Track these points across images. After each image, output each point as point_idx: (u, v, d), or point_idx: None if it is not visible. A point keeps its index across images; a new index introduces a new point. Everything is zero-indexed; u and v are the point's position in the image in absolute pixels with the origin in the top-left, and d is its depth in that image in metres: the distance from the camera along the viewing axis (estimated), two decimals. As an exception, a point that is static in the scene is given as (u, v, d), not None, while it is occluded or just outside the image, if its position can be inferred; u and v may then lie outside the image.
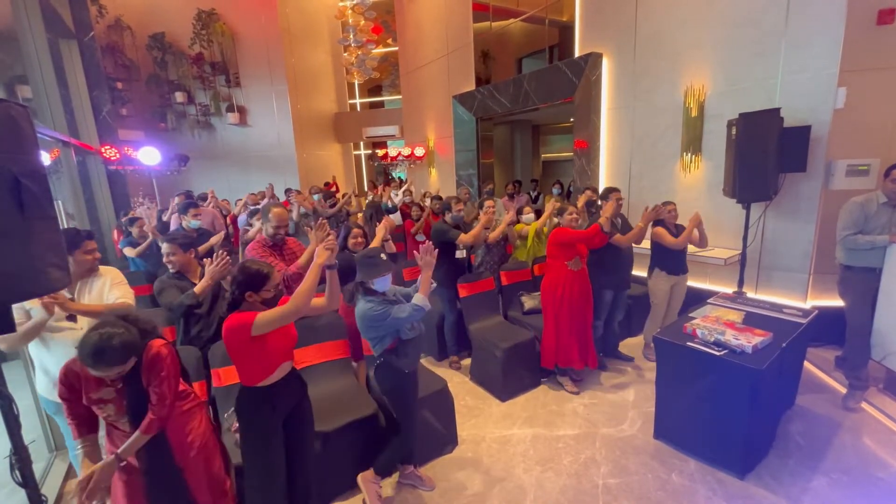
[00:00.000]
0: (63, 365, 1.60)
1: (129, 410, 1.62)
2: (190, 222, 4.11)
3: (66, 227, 2.54)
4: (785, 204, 3.77)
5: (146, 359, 1.63)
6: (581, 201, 4.08)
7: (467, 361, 3.83)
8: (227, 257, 2.46)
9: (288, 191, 7.10)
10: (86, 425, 1.64)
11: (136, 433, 1.62)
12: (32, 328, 1.93)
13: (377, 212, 6.24)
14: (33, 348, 2.09)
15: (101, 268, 2.29)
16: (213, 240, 3.86)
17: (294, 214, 5.11)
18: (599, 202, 3.92)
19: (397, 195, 6.76)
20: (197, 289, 2.43)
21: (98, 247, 2.25)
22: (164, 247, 2.59)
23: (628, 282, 3.66)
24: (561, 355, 3.30)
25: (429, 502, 2.36)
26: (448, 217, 3.77)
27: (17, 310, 1.93)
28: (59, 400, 2.07)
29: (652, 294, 3.75)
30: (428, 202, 6.10)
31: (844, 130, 3.46)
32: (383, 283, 2.16)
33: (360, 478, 2.31)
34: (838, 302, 3.30)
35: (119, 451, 1.61)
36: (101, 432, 1.72)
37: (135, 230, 4.41)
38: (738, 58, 3.97)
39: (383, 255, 2.18)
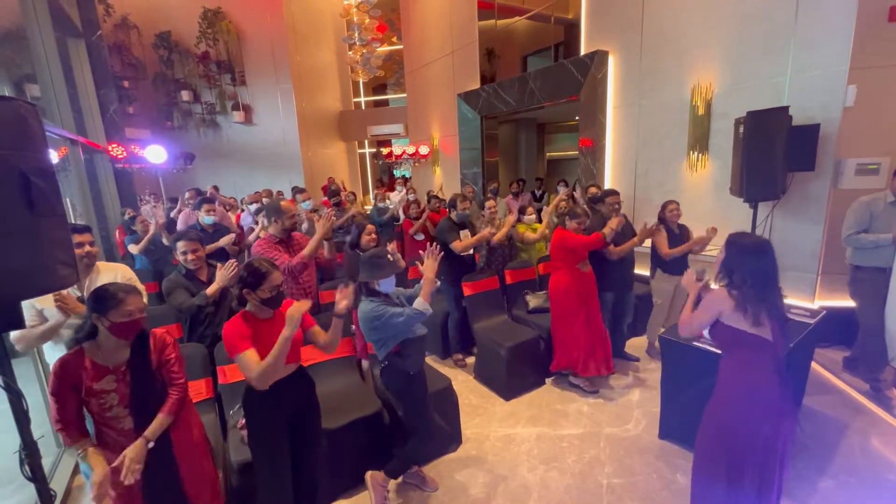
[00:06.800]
0: (57, 359, 1.56)
1: (132, 399, 1.62)
2: (204, 218, 4.13)
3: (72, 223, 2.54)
4: (793, 203, 3.74)
5: (154, 343, 1.70)
6: (552, 205, 4.40)
7: (471, 360, 3.83)
8: (237, 264, 2.45)
9: (295, 189, 7.11)
10: (76, 428, 1.57)
11: (160, 415, 1.64)
12: (49, 329, 1.92)
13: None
14: (47, 348, 2.10)
15: (110, 264, 2.29)
16: (223, 241, 3.88)
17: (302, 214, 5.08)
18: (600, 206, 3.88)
19: (388, 199, 6.43)
20: (209, 290, 2.44)
21: (99, 242, 2.24)
22: (181, 244, 2.54)
23: (630, 282, 3.64)
24: (591, 362, 3.23)
25: (432, 502, 2.36)
26: (453, 215, 3.75)
27: (29, 309, 1.94)
28: None
29: (655, 294, 3.74)
30: (426, 202, 6.06)
31: (854, 129, 3.42)
32: (388, 285, 2.14)
33: (369, 477, 2.28)
34: (846, 302, 3.27)
35: (147, 433, 1.60)
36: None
37: (138, 226, 4.46)
38: (745, 55, 3.93)
39: (390, 257, 2.16)
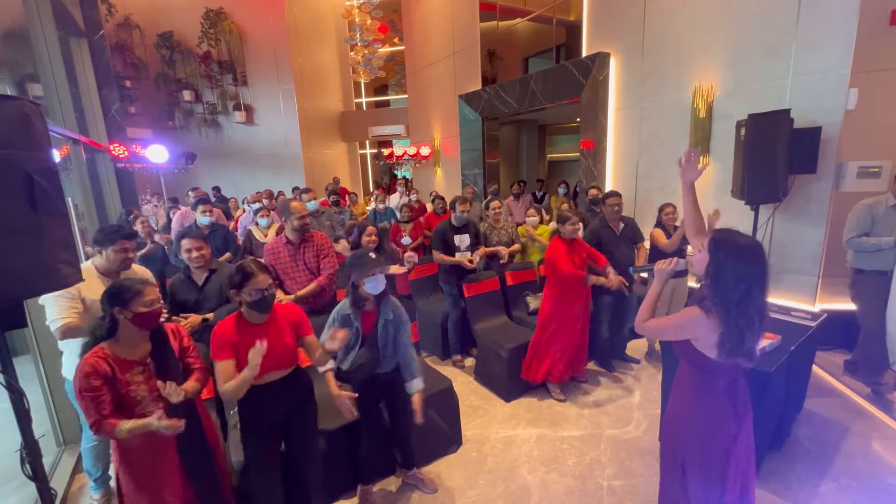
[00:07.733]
0: (87, 358, 1.53)
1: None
2: (200, 219, 4.14)
3: (76, 224, 2.54)
4: (794, 206, 3.73)
5: (172, 333, 1.76)
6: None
7: (470, 361, 3.82)
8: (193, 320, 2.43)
9: (295, 189, 7.12)
10: (115, 418, 1.54)
11: (191, 381, 1.72)
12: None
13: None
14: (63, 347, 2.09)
15: (136, 267, 2.33)
16: (223, 258, 3.94)
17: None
18: (599, 207, 3.87)
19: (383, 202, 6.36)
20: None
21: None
22: (186, 242, 2.54)
23: (631, 285, 3.63)
24: (553, 371, 3.21)
25: (432, 503, 2.36)
26: (453, 218, 3.75)
27: (70, 298, 1.93)
28: None
29: None
30: (430, 204, 6.10)
31: (856, 132, 3.42)
32: (374, 285, 2.05)
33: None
34: (847, 305, 3.26)
35: (186, 386, 1.65)
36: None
37: (138, 226, 4.47)
38: (747, 58, 3.94)
39: (372, 255, 2.13)
